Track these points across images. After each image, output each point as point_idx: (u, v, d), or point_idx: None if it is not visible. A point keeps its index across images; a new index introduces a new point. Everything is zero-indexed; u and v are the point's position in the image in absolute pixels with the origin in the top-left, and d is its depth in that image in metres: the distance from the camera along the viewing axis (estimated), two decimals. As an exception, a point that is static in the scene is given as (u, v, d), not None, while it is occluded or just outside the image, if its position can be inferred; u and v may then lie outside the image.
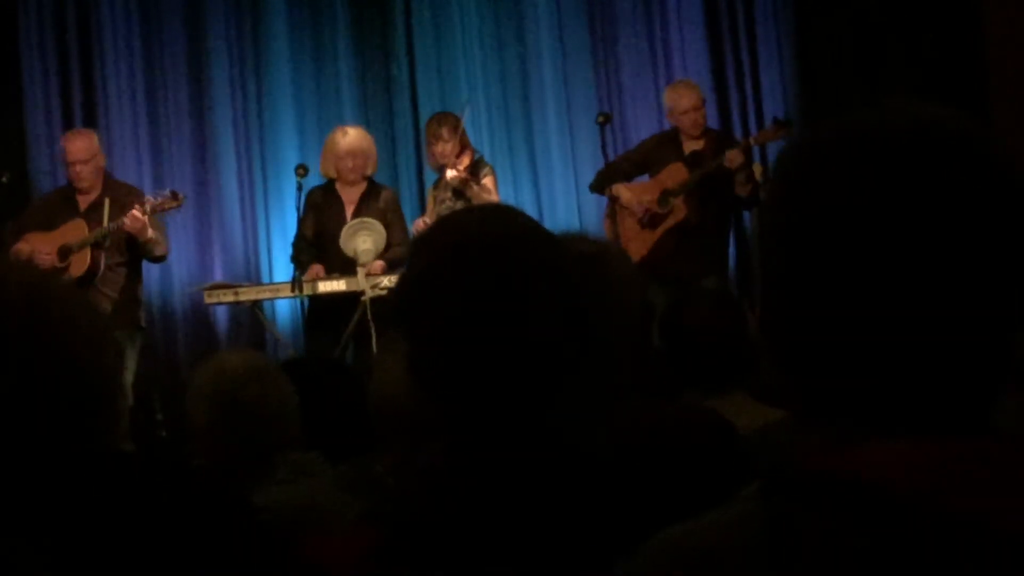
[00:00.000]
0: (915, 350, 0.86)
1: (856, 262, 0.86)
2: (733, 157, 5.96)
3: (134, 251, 6.01)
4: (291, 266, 6.08)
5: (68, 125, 7.21)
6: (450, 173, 6.02)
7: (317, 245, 6.04)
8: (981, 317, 0.86)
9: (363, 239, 5.83)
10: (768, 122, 7.13)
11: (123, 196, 6.00)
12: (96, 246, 5.88)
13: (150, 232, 5.83)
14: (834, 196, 0.87)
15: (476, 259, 1.27)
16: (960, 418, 0.86)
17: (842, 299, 0.87)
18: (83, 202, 6.02)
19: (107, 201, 5.94)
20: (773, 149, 6.72)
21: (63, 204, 6.06)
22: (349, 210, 6.05)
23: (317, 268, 5.97)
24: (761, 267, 0.93)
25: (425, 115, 7.20)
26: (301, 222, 6.09)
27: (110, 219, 5.85)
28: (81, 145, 6.02)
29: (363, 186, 6.11)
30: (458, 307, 1.25)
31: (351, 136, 6.10)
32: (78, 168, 5.96)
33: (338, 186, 6.10)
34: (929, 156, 0.87)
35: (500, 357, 1.25)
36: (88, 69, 7.47)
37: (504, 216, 1.35)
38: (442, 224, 1.38)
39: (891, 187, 0.86)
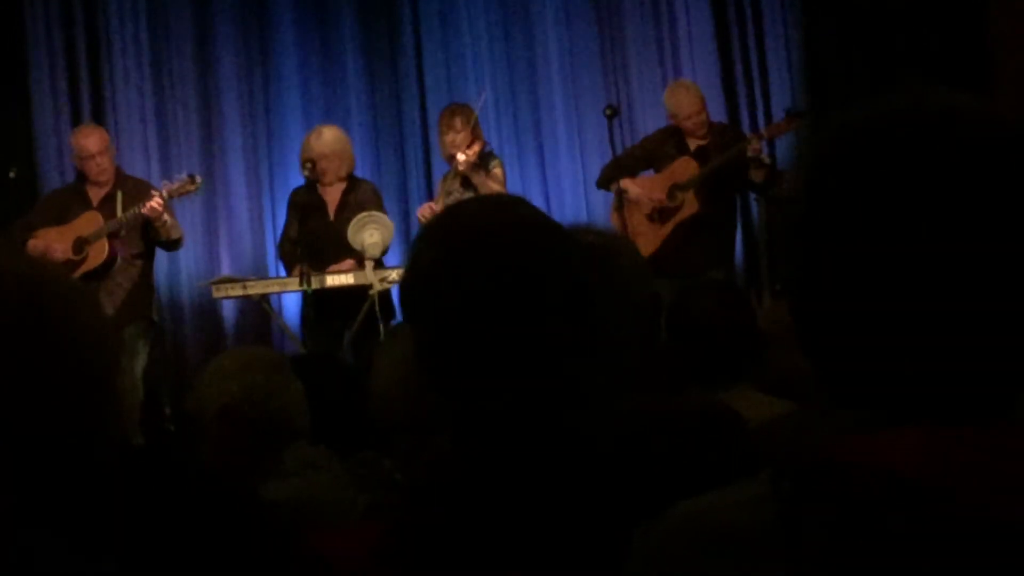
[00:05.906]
0: (944, 339, 0.86)
1: (890, 251, 0.87)
2: (755, 144, 5.92)
3: (149, 242, 6.04)
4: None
5: (76, 120, 7.22)
6: (460, 156, 6.02)
7: (304, 245, 6.01)
8: (1012, 309, 0.86)
9: (370, 232, 5.84)
10: (775, 112, 7.11)
11: (135, 189, 6.02)
12: (113, 236, 5.89)
13: (167, 217, 5.86)
14: (867, 185, 0.88)
15: (484, 250, 1.26)
16: (984, 408, 0.87)
17: (874, 286, 0.87)
18: (95, 196, 6.03)
19: (119, 194, 5.96)
20: (779, 145, 6.70)
21: (74, 198, 6.07)
22: (331, 209, 6.07)
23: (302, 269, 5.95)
24: (791, 253, 0.94)
25: (433, 107, 7.19)
26: (286, 224, 6.13)
27: (124, 210, 5.87)
28: (97, 138, 6.06)
29: (343, 185, 6.12)
30: (465, 298, 1.24)
31: (324, 139, 6.10)
32: (98, 160, 5.98)
33: (319, 186, 6.11)
34: (963, 146, 0.87)
35: (508, 349, 1.24)
36: (95, 63, 7.47)
37: (512, 206, 1.35)
38: (449, 214, 1.37)
39: (923, 176, 0.87)
